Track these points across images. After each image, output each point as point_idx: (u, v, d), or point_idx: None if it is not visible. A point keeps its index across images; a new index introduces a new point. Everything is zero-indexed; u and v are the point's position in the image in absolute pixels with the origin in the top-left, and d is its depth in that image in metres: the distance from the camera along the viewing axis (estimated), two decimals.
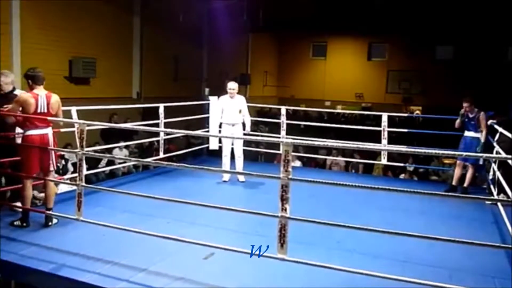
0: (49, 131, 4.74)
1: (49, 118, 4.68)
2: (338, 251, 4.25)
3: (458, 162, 6.99)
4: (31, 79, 4.67)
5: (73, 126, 5.46)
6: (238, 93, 7.09)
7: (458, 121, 6.92)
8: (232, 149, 7.04)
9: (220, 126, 7.08)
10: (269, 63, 20.14)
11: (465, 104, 6.82)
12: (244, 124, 7.01)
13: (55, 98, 4.75)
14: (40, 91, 4.68)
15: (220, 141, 8.27)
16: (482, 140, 6.62)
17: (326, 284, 3.56)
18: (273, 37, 19.80)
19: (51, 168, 4.80)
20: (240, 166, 6.98)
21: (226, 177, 6.98)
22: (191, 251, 3.93)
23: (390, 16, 14.78)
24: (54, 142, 4.81)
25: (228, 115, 6.94)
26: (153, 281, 3.61)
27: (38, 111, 4.61)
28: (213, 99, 8.28)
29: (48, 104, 4.67)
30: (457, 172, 6.97)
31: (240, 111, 6.96)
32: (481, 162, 6.81)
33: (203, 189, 6.39)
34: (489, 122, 6.70)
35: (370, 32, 17.77)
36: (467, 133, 6.85)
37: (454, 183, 6.96)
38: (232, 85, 7.02)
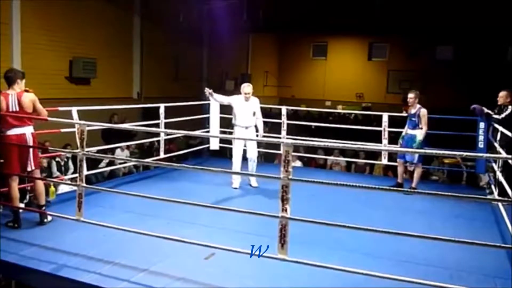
0: (26, 130, 4.70)
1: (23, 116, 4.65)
2: (339, 251, 4.24)
3: (398, 160, 6.95)
4: (5, 80, 4.70)
5: (74, 127, 5.46)
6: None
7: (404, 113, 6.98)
8: (244, 151, 6.69)
9: (232, 128, 6.78)
10: (269, 63, 20.12)
11: (410, 95, 6.74)
12: (256, 127, 6.71)
13: (27, 96, 4.70)
14: (12, 90, 4.66)
15: (220, 142, 8.28)
16: (421, 137, 6.54)
17: (327, 284, 3.55)
18: (273, 37, 19.77)
19: (29, 168, 4.74)
20: (253, 170, 6.60)
21: (237, 183, 6.66)
22: (191, 251, 3.93)
23: (391, 16, 14.76)
24: (34, 141, 4.78)
25: (242, 117, 6.58)
26: (154, 281, 3.61)
27: (10, 110, 4.60)
28: (213, 99, 8.27)
29: (19, 103, 4.64)
30: (400, 170, 6.95)
31: (254, 114, 6.64)
32: (415, 161, 6.72)
33: (204, 190, 6.38)
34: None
35: (370, 32, 17.73)
36: (408, 131, 6.80)
37: (399, 180, 6.91)
38: (247, 89, 6.60)
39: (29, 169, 4.75)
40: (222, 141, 8.28)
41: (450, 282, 3.34)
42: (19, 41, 9.32)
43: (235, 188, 6.62)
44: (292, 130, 8.43)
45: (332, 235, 4.42)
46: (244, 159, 6.71)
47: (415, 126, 6.66)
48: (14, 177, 4.72)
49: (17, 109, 4.64)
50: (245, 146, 6.64)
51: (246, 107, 6.60)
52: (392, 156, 7.90)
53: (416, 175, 6.80)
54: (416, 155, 6.65)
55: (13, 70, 5.03)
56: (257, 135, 6.69)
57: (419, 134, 6.60)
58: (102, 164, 8.96)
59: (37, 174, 4.93)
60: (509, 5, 11.91)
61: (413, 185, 6.74)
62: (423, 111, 6.61)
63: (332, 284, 3.53)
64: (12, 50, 9.18)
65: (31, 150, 4.74)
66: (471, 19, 14.20)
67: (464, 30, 15.48)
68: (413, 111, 6.72)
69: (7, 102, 4.59)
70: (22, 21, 9.39)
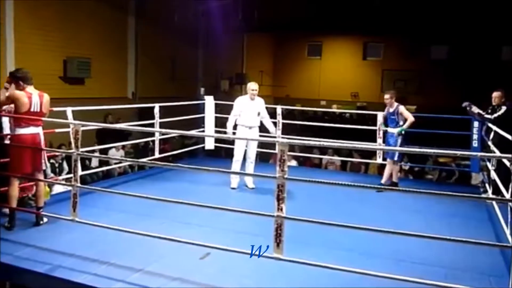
0: (40, 130, 4.74)
1: (42, 118, 4.70)
2: (334, 251, 4.25)
3: (388, 160, 7.04)
4: (21, 80, 4.66)
5: (68, 127, 5.43)
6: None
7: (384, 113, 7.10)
8: (245, 152, 6.60)
9: (235, 128, 6.64)
10: (264, 62, 20.13)
11: (386, 96, 6.87)
12: (260, 127, 6.66)
13: (46, 98, 4.76)
14: (33, 90, 4.67)
15: (216, 141, 8.26)
16: (404, 127, 6.64)
17: (323, 284, 3.56)
18: (268, 37, 19.79)
19: (44, 167, 4.82)
20: (251, 171, 6.53)
21: (235, 183, 6.59)
22: (187, 251, 3.92)
23: (386, 16, 14.81)
24: (45, 141, 4.81)
25: (246, 117, 6.50)
26: (149, 281, 3.60)
27: (32, 110, 4.60)
28: (208, 99, 8.27)
29: (41, 104, 4.67)
30: (395, 169, 7.01)
31: (258, 114, 6.57)
32: (396, 158, 6.82)
33: (199, 189, 6.36)
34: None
35: (365, 32, 17.79)
36: (388, 129, 6.92)
37: (395, 180, 6.95)
38: (254, 86, 6.57)
39: (43, 167, 4.81)
40: (217, 141, 8.27)
41: (445, 281, 3.35)
42: (12, 41, 9.27)
43: (233, 188, 6.58)
44: (287, 130, 8.42)
45: (328, 234, 4.42)
46: (243, 158, 6.68)
47: (396, 124, 6.78)
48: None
49: (39, 110, 4.66)
50: (246, 146, 6.57)
51: (251, 106, 6.53)
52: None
53: (388, 171, 6.90)
54: (396, 153, 6.76)
55: (24, 69, 4.96)
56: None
57: (404, 125, 6.68)
58: (94, 163, 8.93)
59: (41, 175, 4.92)
60: (503, 5, 11.98)
61: (382, 181, 6.87)
62: (401, 108, 6.75)
63: (328, 283, 3.54)
64: (6, 50, 9.13)
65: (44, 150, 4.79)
66: (465, 19, 14.28)
67: (458, 30, 15.57)
68: (391, 110, 6.85)
69: (30, 102, 4.59)
70: (16, 20, 9.33)
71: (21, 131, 4.62)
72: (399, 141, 6.67)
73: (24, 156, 4.64)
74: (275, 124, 8.06)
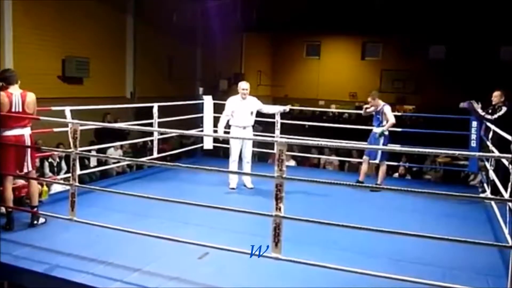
0: (25, 131, 4.64)
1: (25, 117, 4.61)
2: (333, 250, 4.25)
3: (364, 157, 7.06)
4: (4, 81, 4.59)
5: (67, 126, 5.42)
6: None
7: (362, 111, 7.18)
8: (240, 152, 6.55)
9: (229, 128, 6.59)
10: (263, 62, 20.14)
11: (369, 99, 6.94)
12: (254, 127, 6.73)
13: (30, 97, 4.65)
14: (15, 90, 4.60)
15: (214, 141, 8.26)
16: (384, 129, 6.68)
17: (321, 283, 3.56)
18: (267, 37, 19.80)
19: (25, 170, 4.69)
20: (248, 171, 6.50)
21: (234, 184, 6.55)
22: (185, 251, 3.91)
23: (384, 16, 14.82)
24: (31, 143, 4.74)
25: (239, 117, 6.44)
26: (147, 281, 3.59)
27: (13, 110, 4.53)
28: (207, 99, 8.27)
29: (23, 103, 4.58)
30: (364, 167, 7.03)
31: (252, 113, 6.51)
32: (378, 158, 6.83)
33: (198, 189, 6.36)
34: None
35: (364, 32, 17.80)
36: (374, 129, 6.96)
37: (360, 178, 6.95)
38: (244, 85, 6.52)
39: (25, 170, 4.69)
40: (216, 140, 8.27)
41: (443, 281, 3.35)
42: (11, 41, 9.26)
43: (232, 189, 6.54)
44: (286, 130, 8.42)
45: (326, 234, 4.43)
46: (239, 158, 6.65)
47: (379, 123, 6.83)
48: (9, 178, 4.67)
49: (21, 110, 4.58)
50: (241, 146, 6.53)
51: (243, 106, 6.48)
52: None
53: (381, 173, 6.91)
54: (379, 152, 6.74)
55: (10, 69, 4.95)
56: (284, 109, 7.01)
57: (384, 127, 6.72)
58: (93, 162, 8.93)
59: (33, 175, 4.88)
60: (501, 6, 11.99)
61: (378, 182, 6.83)
62: (386, 108, 6.78)
63: (326, 282, 3.54)
64: (4, 49, 9.11)
65: (28, 151, 4.68)
66: (463, 19, 14.30)
67: (456, 30, 15.59)
68: (378, 109, 6.88)
69: (10, 102, 4.52)
70: (14, 20, 9.32)
71: (5, 133, 4.55)
72: (381, 141, 6.69)
73: (8, 158, 4.58)
74: (274, 124, 8.08)
